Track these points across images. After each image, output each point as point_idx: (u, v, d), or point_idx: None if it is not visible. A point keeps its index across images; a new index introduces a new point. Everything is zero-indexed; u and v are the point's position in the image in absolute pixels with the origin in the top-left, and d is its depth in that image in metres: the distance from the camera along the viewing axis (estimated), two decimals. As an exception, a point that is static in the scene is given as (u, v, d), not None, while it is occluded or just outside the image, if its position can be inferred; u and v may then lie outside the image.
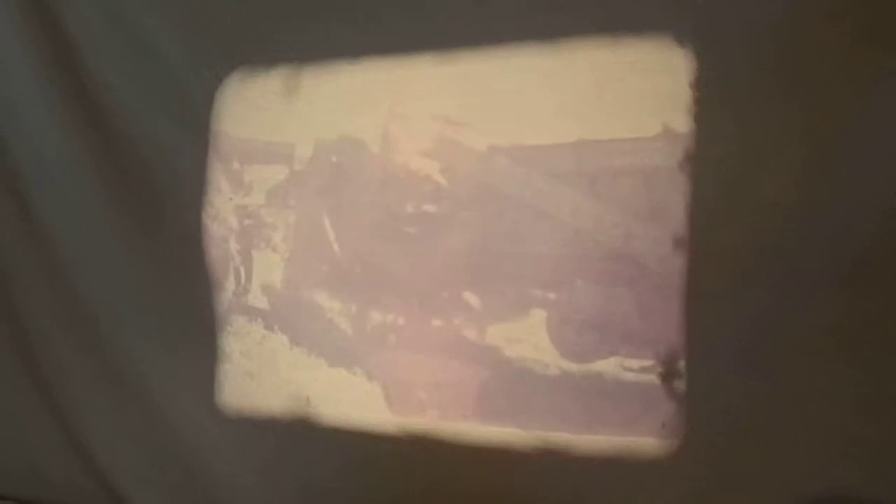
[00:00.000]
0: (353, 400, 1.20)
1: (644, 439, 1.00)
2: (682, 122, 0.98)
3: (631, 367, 1.03)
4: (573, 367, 1.05)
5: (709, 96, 0.98)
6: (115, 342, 1.36)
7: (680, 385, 0.99)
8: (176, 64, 1.31)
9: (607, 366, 1.04)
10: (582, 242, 1.06)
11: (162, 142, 1.32)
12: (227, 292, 1.28)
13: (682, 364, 0.99)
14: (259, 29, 1.26)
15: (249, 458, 1.26)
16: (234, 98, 1.26)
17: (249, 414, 1.25)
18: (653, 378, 1.01)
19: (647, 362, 1.02)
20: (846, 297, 0.93)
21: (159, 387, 1.33)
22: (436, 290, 1.14)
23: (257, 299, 1.27)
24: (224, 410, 1.27)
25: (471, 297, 1.12)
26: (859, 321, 0.93)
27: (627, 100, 1.01)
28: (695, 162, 0.99)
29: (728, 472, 0.98)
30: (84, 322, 1.39)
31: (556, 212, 1.07)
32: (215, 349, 1.28)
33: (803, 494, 0.95)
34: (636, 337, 1.03)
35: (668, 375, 1.00)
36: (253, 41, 1.27)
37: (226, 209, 1.29)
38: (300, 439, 1.21)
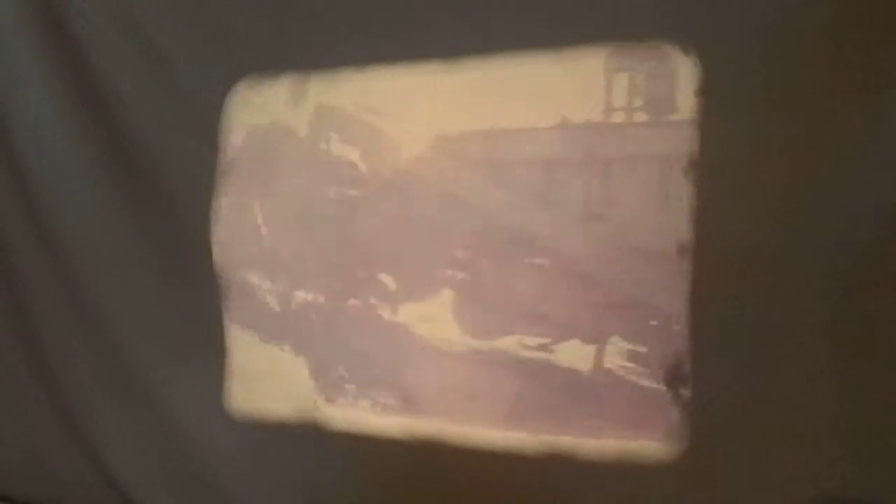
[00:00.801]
0: (282, 374, 1.25)
1: (650, 444, 1.01)
2: (686, 129, 1.00)
3: (528, 345, 1.09)
4: (476, 343, 1.12)
5: (714, 104, 0.99)
6: (124, 345, 1.37)
7: (685, 390, 1.00)
8: (184, 71, 1.32)
9: (507, 343, 1.10)
10: (488, 226, 1.12)
11: (171, 148, 1.33)
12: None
13: (687, 369, 1.00)
14: (267, 36, 1.27)
15: (258, 462, 1.26)
16: (241, 105, 1.28)
17: (258, 417, 1.26)
18: (547, 356, 1.07)
19: (544, 340, 1.09)
20: (851, 302, 0.94)
21: (168, 390, 1.33)
22: (353, 271, 1.20)
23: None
24: (232, 414, 1.28)
25: (386, 278, 1.18)
26: (864, 326, 0.94)
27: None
28: (700, 168, 1.00)
29: (734, 477, 0.99)
30: (93, 325, 1.39)
31: (466, 197, 1.14)
32: (223, 353, 1.29)
33: (809, 498, 0.95)
34: (534, 316, 1.09)
35: (673, 381, 1.01)
36: (261, 49, 1.28)
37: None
38: (309, 443, 1.22)
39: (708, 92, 0.99)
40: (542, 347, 1.09)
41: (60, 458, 1.42)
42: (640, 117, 1.06)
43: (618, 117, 1.08)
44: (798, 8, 0.96)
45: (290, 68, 1.24)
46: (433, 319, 1.15)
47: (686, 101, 1.01)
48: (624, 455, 1.02)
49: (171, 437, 1.33)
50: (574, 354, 1.08)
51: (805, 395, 0.96)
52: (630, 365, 1.05)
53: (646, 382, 1.04)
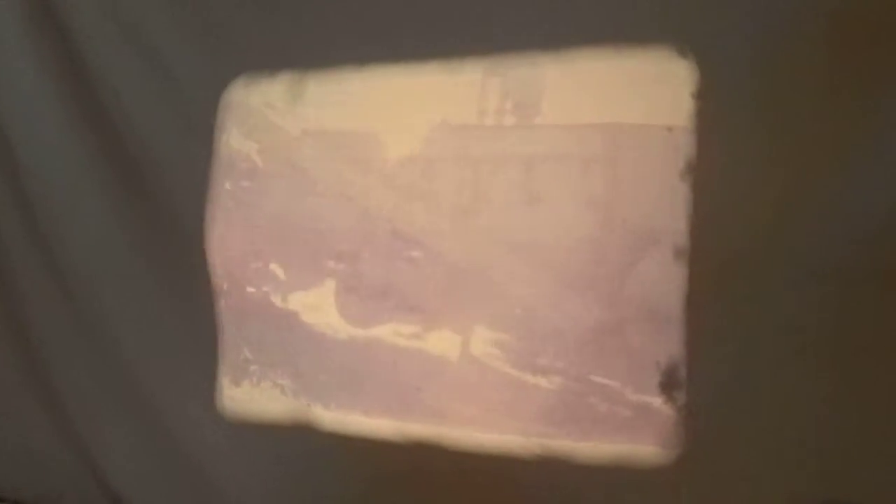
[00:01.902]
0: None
1: (645, 448, 1.02)
2: (684, 131, 1.01)
3: (402, 333, 1.14)
4: (355, 331, 1.17)
5: (711, 106, 0.99)
6: (118, 346, 1.37)
7: (680, 395, 1.01)
8: (181, 68, 1.31)
9: (383, 332, 1.15)
10: (370, 220, 1.16)
11: (167, 147, 1.32)
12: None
13: (682, 373, 1.00)
14: (265, 34, 1.26)
15: (251, 463, 1.27)
16: (238, 103, 1.27)
17: (250, 418, 1.26)
18: (420, 344, 1.12)
19: (416, 328, 1.14)
20: (847, 307, 0.95)
21: (161, 392, 1.33)
22: (249, 261, 1.25)
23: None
24: (225, 415, 1.28)
25: (276, 268, 1.24)
26: (859, 331, 0.94)
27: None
28: (696, 172, 1.00)
29: (729, 482, 1.00)
30: (86, 325, 1.39)
31: (349, 192, 1.18)
32: (217, 355, 1.28)
33: (805, 502, 0.96)
34: (407, 306, 1.14)
35: (668, 385, 1.01)
36: (258, 46, 1.27)
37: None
38: (301, 445, 1.22)
39: (705, 95, 0.99)
40: (415, 336, 1.14)
41: (54, 458, 1.41)
42: (509, 120, 1.10)
43: (490, 120, 1.12)
44: (794, 13, 0.96)
45: (288, 66, 1.24)
46: (318, 308, 1.20)
47: (683, 105, 1.01)
48: (619, 459, 1.03)
49: (164, 437, 1.33)
50: (443, 343, 1.12)
51: (801, 399, 0.96)
52: (495, 352, 1.10)
53: (509, 369, 1.08)
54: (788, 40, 0.96)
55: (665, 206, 1.02)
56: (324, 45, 1.21)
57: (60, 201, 1.39)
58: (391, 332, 1.15)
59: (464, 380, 1.11)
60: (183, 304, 1.31)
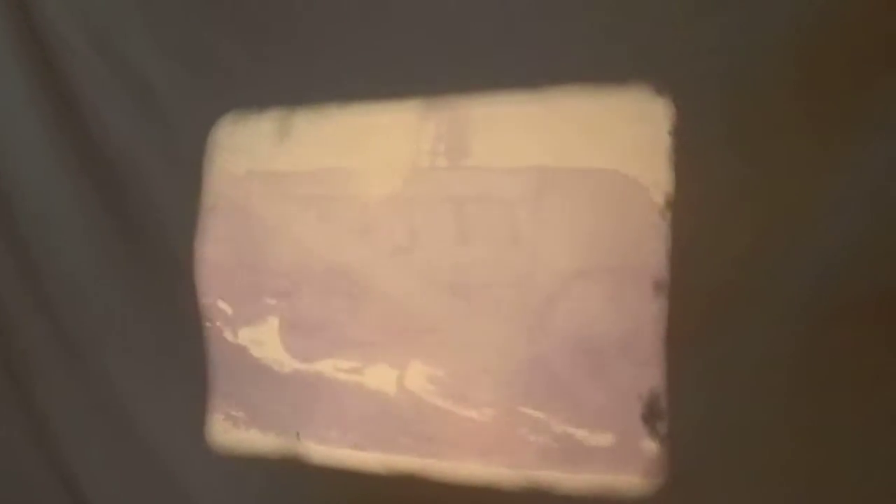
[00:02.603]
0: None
1: (628, 478, 1.03)
2: (661, 169, 1.03)
3: (341, 368, 1.18)
4: (301, 366, 1.21)
5: (687, 144, 1.01)
6: (106, 375, 1.37)
7: (662, 426, 1.02)
8: (169, 103, 1.32)
9: (324, 366, 1.20)
10: (309, 258, 1.20)
11: (156, 181, 1.33)
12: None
13: (664, 404, 1.02)
14: (253, 70, 1.27)
15: (239, 497, 1.28)
16: (225, 140, 1.28)
17: (238, 451, 1.27)
18: (359, 379, 1.16)
19: (355, 363, 1.18)
20: (825, 338, 0.96)
21: (149, 422, 1.34)
22: (200, 298, 1.30)
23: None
24: (213, 448, 1.29)
25: (224, 305, 1.28)
26: (839, 361, 0.96)
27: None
28: (675, 208, 1.02)
29: None
30: (74, 355, 1.39)
31: (288, 230, 1.22)
32: (205, 386, 1.30)
33: None
34: (346, 341, 1.18)
35: (650, 416, 1.02)
36: (247, 82, 1.28)
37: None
38: (289, 477, 1.23)
39: (682, 133, 1.01)
40: (354, 370, 1.18)
41: (38, 486, 1.42)
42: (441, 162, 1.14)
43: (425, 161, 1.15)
44: (767, 51, 0.98)
45: (276, 103, 1.25)
46: (264, 343, 1.24)
47: (660, 143, 1.03)
48: (602, 489, 1.04)
49: (152, 468, 1.34)
50: (381, 378, 1.16)
51: (784, 428, 0.98)
52: (430, 387, 1.14)
53: (442, 403, 1.13)
54: (762, 77, 0.98)
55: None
56: (314, 83, 1.22)
57: (44, 230, 1.40)
58: (332, 367, 1.19)
59: (401, 413, 1.15)
60: (171, 334, 1.32)
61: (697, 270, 1.01)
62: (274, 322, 1.23)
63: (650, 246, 1.05)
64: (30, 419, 1.41)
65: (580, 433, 1.08)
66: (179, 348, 1.31)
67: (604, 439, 1.07)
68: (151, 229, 1.33)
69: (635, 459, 1.04)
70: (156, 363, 1.33)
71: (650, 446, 1.02)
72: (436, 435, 1.13)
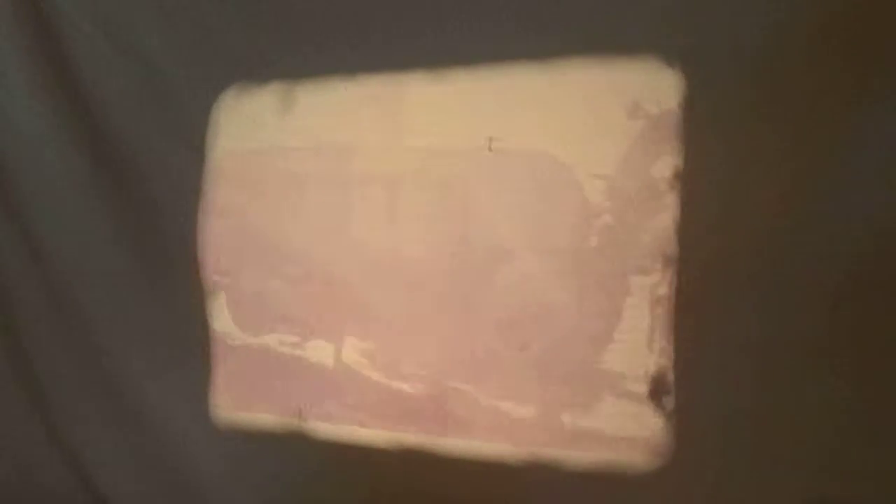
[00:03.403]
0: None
1: (633, 455, 1.03)
2: (671, 142, 1.02)
3: (285, 342, 1.23)
4: (250, 339, 1.25)
5: (697, 116, 1.00)
6: (109, 354, 1.38)
7: (668, 401, 1.02)
8: (172, 78, 1.32)
9: (270, 340, 1.24)
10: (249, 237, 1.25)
11: (157, 156, 1.34)
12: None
13: (671, 380, 1.02)
14: (255, 44, 1.28)
15: (243, 473, 1.28)
16: (229, 114, 1.29)
17: (243, 427, 1.28)
18: (300, 353, 1.21)
19: (296, 338, 1.22)
20: (835, 313, 0.96)
21: (153, 400, 1.35)
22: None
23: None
24: (218, 424, 1.30)
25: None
26: (845, 338, 0.95)
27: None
28: (684, 181, 1.01)
29: (717, 488, 1.01)
30: (77, 334, 1.40)
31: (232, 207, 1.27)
32: (209, 362, 1.30)
33: None
34: (288, 317, 1.22)
35: (656, 392, 1.02)
36: (249, 56, 1.28)
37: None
38: (294, 453, 1.24)
39: (692, 105, 1.01)
40: (296, 345, 1.22)
41: (43, 466, 1.43)
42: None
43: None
44: (779, 23, 0.97)
45: (278, 77, 1.26)
46: (219, 317, 1.28)
47: (670, 115, 1.02)
48: (608, 466, 1.04)
49: (156, 447, 1.35)
50: (320, 351, 1.21)
51: (789, 405, 0.98)
52: (364, 360, 1.18)
53: (376, 375, 1.17)
54: (774, 50, 0.97)
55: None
56: (316, 54, 1.22)
57: (50, 209, 1.41)
58: (276, 341, 1.24)
59: (339, 385, 1.20)
60: (173, 311, 1.32)
61: (707, 244, 1.00)
62: (223, 297, 1.28)
63: (576, 226, 1.07)
64: (32, 398, 1.43)
65: (505, 405, 1.11)
66: (182, 326, 1.31)
67: (527, 411, 1.10)
68: (154, 206, 1.34)
69: (550, 431, 1.07)
70: (158, 340, 1.34)
71: (656, 422, 1.02)
72: (370, 406, 1.17)
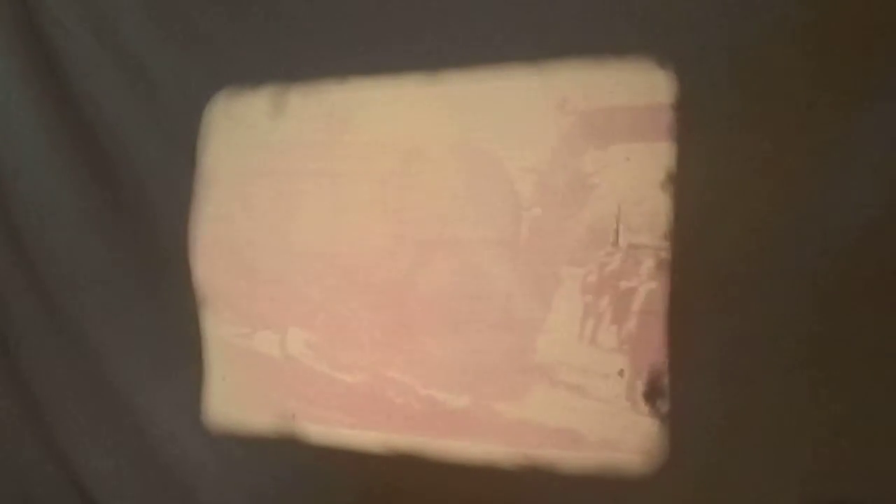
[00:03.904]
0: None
1: (628, 457, 1.03)
2: (663, 142, 1.01)
3: (237, 333, 1.25)
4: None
5: (690, 117, 1.00)
6: (103, 359, 1.37)
7: (663, 403, 1.02)
8: (163, 81, 1.32)
9: (224, 332, 1.27)
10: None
11: (150, 159, 1.33)
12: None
13: (665, 382, 1.02)
14: (247, 47, 1.28)
15: (236, 476, 1.28)
16: (220, 116, 1.29)
17: (236, 432, 1.27)
18: (249, 343, 1.23)
19: (246, 329, 1.25)
20: (827, 314, 0.96)
21: (146, 404, 1.34)
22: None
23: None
24: (210, 429, 1.29)
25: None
26: (838, 339, 0.95)
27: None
28: (677, 182, 1.01)
29: (712, 490, 1.01)
30: (70, 338, 1.39)
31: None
32: (202, 367, 1.29)
33: None
34: (237, 308, 1.26)
35: (651, 394, 1.02)
36: (241, 59, 1.27)
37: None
38: (286, 457, 1.23)
39: (684, 106, 1.01)
40: (245, 336, 1.25)
41: (35, 469, 1.41)
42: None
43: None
44: (771, 25, 0.98)
45: (271, 79, 1.25)
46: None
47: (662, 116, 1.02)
48: (603, 469, 1.04)
49: (149, 450, 1.33)
50: (267, 342, 1.23)
51: (782, 406, 0.97)
52: (308, 352, 1.20)
53: (318, 365, 1.19)
54: (766, 52, 0.97)
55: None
56: (309, 57, 1.23)
57: (41, 216, 1.40)
58: (230, 333, 1.26)
59: (284, 374, 1.22)
60: (166, 316, 1.31)
61: (699, 246, 1.00)
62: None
63: (508, 219, 1.08)
64: (24, 401, 1.42)
65: (441, 395, 1.13)
66: (175, 328, 1.30)
67: (461, 402, 1.12)
68: (146, 210, 1.33)
69: (484, 421, 1.08)
70: (152, 343, 1.32)
71: (650, 424, 1.02)
72: (315, 397, 1.20)
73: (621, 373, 1.04)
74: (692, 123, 1.00)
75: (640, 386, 1.03)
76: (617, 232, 1.05)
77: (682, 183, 1.00)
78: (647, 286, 1.03)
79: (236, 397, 1.26)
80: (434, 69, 1.14)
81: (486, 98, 1.12)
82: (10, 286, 1.43)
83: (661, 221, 1.01)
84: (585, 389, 1.06)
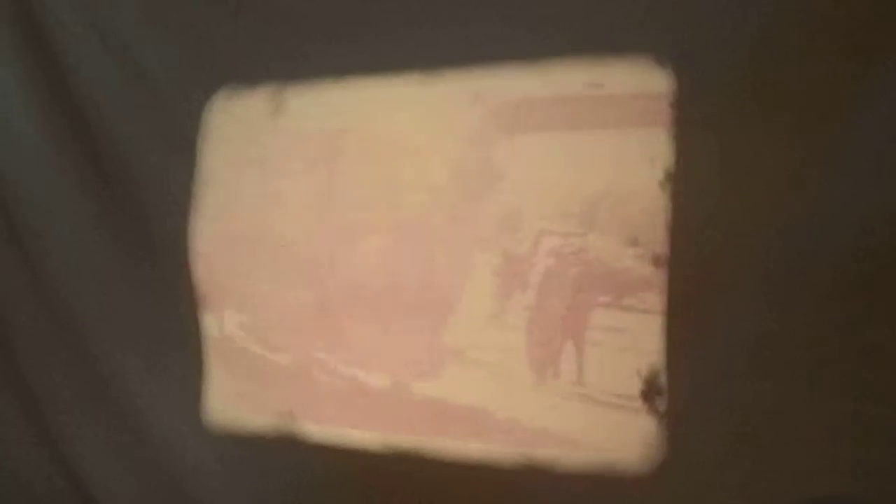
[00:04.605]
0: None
1: (627, 456, 1.02)
2: (662, 140, 1.01)
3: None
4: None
5: (689, 115, 1.00)
6: (102, 358, 1.37)
7: (661, 402, 1.01)
8: (162, 81, 1.32)
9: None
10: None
11: (149, 158, 1.33)
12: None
13: (663, 381, 1.01)
14: (246, 46, 1.28)
15: (235, 476, 1.27)
16: (220, 116, 1.30)
17: (235, 430, 1.27)
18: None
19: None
20: (827, 311, 0.95)
21: (145, 402, 1.34)
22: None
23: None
24: (209, 426, 1.29)
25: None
26: (837, 337, 0.95)
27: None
28: (675, 181, 1.00)
29: (711, 488, 1.00)
30: (69, 336, 1.38)
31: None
32: (201, 367, 1.29)
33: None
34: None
35: (649, 393, 1.01)
36: (239, 59, 1.28)
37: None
38: (286, 456, 1.22)
39: (682, 104, 1.00)
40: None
41: (33, 468, 1.41)
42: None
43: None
44: (770, 23, 0.97)
45: (269, 79, 1.25)
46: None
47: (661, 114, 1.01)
48: (602, 467, 1.03)
49: (148, 449, 1.33)
50: (208, 323, 1.28)
51: (781, 404, 0.97)
52: (241, 333, 1.26)
53: (250, 346, 1.25)
54: (765, 50, 0.97)
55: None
56: (307, 56, 1.23)
57: (40, 214, 1.41)
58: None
59: (223, 354, 1.26)
60: (166, 315, 1.31)
61: (698, 244, 0.99)
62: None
63: (422, 204, 1.12)
64: (24, 402, 1.42)
65: (362, 374, 1.17)
66: (175, 328, 1.30)
67: (380, 380, 1.16)
68: (146, 209, 1.33)
69: (402, 400, 1.13)
70: (151, 343, 1.33)
71: (649, 423, 1.01)
72: (251, 378, 1.25)
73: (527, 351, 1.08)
74: (690, 121, 0.99)
75: (639, 383, 1.02)
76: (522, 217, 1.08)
77: (680, 181, 1.00)
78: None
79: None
80: (434, 68, 1.15)
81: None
82: (10, 286, 1.44)
83: (659, 220, 1.01)
84: (495, 369, 1.09)
